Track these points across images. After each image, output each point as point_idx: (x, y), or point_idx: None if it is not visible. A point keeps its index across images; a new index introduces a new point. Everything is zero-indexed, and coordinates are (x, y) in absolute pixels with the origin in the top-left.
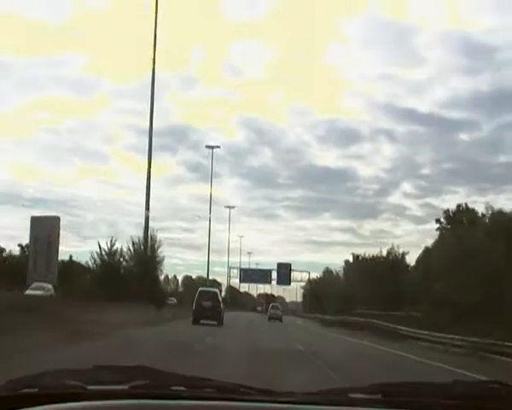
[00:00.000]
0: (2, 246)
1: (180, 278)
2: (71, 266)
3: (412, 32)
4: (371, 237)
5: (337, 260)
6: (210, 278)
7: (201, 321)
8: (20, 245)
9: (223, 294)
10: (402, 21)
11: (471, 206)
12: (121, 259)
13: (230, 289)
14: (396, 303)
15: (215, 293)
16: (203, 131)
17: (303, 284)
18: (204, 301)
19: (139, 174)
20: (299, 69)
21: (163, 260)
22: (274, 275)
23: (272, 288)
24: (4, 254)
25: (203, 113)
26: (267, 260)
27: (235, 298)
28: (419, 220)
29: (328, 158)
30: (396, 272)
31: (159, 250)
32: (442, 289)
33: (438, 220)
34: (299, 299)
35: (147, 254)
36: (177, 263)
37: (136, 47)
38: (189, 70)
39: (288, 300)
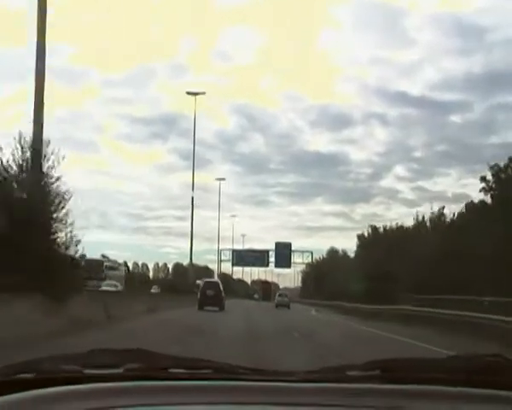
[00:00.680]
0: None
1: (170, 266)
2: None
3: (403, 15)
4: (364, 220)
5: (329, 244)
6: (202, 265)
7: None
8: None
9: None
10: (392, 3)
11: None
12: None
13: (223, 275)
14: (458, 285)
15: (217, 283)
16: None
17: (302, 267)
18: (208, 290)
19: (130, 163)
20: (291, 55)
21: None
22: (271, 258)
23: (267, 273)
24: None
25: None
26: (260, 246)
27: (228, 285)
28: (411, 203)
29: (321, 143)
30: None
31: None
32: None
33: (483, 178)
34: (294, 284)
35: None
36: (170, 252)
37: (125, 35)
38: (179, 57)
39: (281, 286)
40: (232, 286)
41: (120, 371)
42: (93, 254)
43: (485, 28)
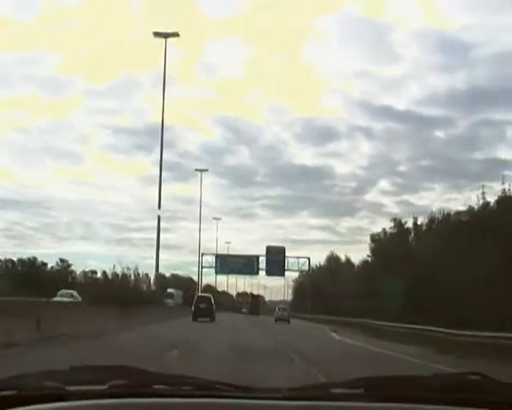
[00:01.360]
0: None
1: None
2: None
3: (388, 30)
4: (348, 234)
5: (315, 258)
6: (186, 276)
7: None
8: None
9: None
10: (378, 19)
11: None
12: None
13: (207, 287)
14: None
15: (209, 298)
16: (179, 131)
17: (295, 276)
18: (201, 304)
19: (115, 174)
20: (276, 67)
21: None
22: (261, 264)
23: (253, 286)
24: None
25: (179, 112)
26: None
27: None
28: (396, 217)
29: (306, 156)
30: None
31: None
32: None
33: None
34: (284, 296)
35: None
36: (154, 263)
37: (110, 44)
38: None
39: (267, 298)
40: (216, 299)
41: (104, 387)
42: (77, 265)
43: (469, 45)
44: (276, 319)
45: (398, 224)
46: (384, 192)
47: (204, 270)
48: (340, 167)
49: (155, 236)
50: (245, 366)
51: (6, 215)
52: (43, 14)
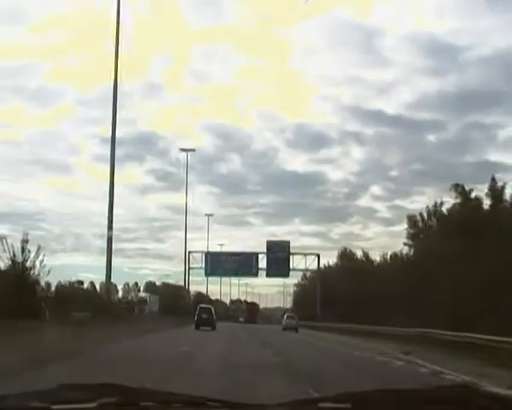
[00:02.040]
0: None
1: (142, 286)
2: None
3: (377, 34)
4: (341, 240)
5: (311, 265)
6: (178, 285)
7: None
8: None
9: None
10: (367, 23)
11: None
12: None
13: (198, 296)
14: None
15: (210, 308)
16: (170, 139)
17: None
18: (203, 314)
19: (105, 184)
20: (266, 74)
21: None
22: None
23: (247, 293)
24: None
25: (169, 120)
26: None
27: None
28: (388, 222)
29: (298, 162)
30: None
31: None
32: None
33: None
34: (276, 304)
35: None
36: (148, 273)
37: (99, 55)
38: (153, 77)
39: (261, 306)
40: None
41: (93, 405)
42: (69, 277)
43: (459, 48)
44: (284, 328)
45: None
46: (376, 197)
47: (195, 278)
48: (332, 173)
49: (148, 246)
50: None
51: None
52: (33, 26)
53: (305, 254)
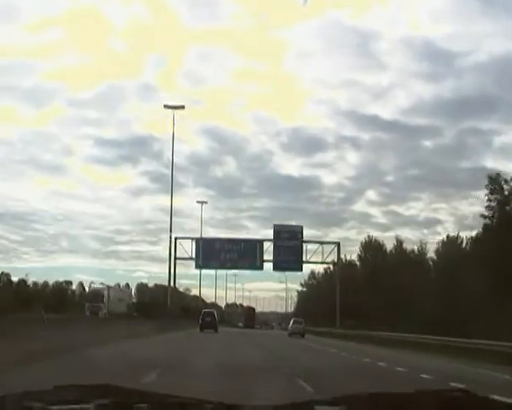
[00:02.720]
0: None
1: (134, 288)
2: None
3: (374, 38)
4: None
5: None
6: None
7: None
8: None
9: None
10: (363, 27)
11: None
12: None
13: (191, 299)
14: None
15: (213, 312)
16: (164, 141)
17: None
18: (206, 318)
19: (99, 185)
20: (262, 76)
21: None
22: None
23: (242, 297)
24: None
25: (164, 122)
26: None
27: (198, 310)
28: (384, 228)
29: (293, 166)
30: None
31: None
32: None
33: None
34: (272, 308)
35: None
36: (143, 276)
37: (94, 55)
38: (148, 79)
39: (258, 309)
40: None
41: (89, 406)
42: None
43: (455, 54)
44: (290, 334)
45: None
46: (371, 202)
47: (183, 271)
48: (328, 178)
49: (143, 248)
50: None
51: None
52: (27, 26)
53: (322, 243)
